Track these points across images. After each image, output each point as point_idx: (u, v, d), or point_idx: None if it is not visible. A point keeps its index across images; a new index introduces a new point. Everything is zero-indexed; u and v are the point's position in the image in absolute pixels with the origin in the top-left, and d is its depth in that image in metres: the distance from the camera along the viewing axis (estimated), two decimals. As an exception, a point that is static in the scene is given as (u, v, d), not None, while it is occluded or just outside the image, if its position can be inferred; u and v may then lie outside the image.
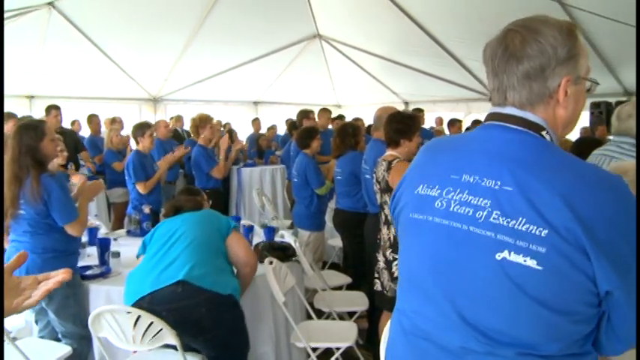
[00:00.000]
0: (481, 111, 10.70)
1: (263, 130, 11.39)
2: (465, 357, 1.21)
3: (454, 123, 9.25)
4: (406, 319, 1.36)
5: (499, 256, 1.15)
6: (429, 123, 10.09)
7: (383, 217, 3.58)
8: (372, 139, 4.44)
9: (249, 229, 4.25)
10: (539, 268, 1.11)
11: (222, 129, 9.73)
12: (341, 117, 9.96)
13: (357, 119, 8.10)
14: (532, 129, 1.24)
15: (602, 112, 7.70)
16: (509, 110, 1.27)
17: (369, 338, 4.25)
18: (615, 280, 1.12)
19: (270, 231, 4.22)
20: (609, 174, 1.22)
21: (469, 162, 1.27)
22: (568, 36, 1.24)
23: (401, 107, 12.03)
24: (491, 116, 1.31)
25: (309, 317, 3.83)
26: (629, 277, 1.15)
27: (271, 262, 3.36)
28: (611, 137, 2.91)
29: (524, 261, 1.12)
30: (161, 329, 2.73)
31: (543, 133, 1.24)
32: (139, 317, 2.72)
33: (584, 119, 8.28)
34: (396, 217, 1.49)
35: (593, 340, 1.24)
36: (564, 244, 1.09)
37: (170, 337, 2.74)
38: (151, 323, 2.72)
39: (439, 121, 10.55)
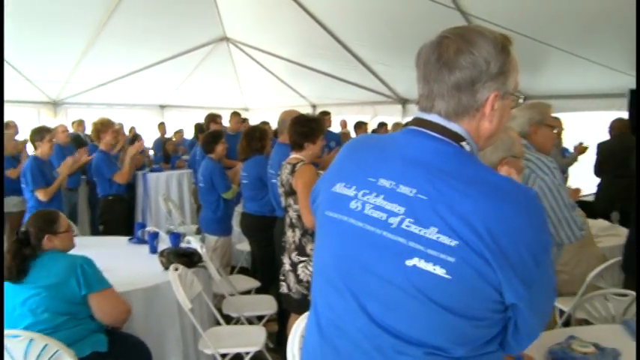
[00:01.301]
0: (387, 114, 10.98)
1: (170, 135, 11.14)
2: (377, 355, 1.22)
3: (360, 125, 9.43)
4: (321, 316, 1.36)
5: (409, 262, 1.15)
6: (336, 126, 10.22)
7: (288, 220, 3.60)
8: (277, 142, 4.46)
9: (154, 236, 4.16)
10: (448, 277, 1.12)
11: (127, 134, 9.43)
12: (244, 120, 9.92)
13: (264, 123, 8.10)
14: (452, 139, 1.24)
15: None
16: (432, 117, 1.27)
17: (279, 341, 4.26)
18: (521, 292, 1.16)
19: (176, 237, 4.14)
20: (523, 187, 1.24)
21: (387, 166, 1.26)
22: (502, 51, 1.25)
23: (309, 110, 12.15)
24: (415, 121, 1.31)
25: (218, 323, 3.79)
26: (534, 289, 1.18)
27: (176, 269, 3.30)
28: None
29: (434, 269, 1.13)
30: (57, 350, 2.61)
31: (463, 143, 1.25)
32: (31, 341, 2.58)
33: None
34: (314, 213, 1.48)
35: (501, 340, 1.28)
36: (473, 256, 1.11)
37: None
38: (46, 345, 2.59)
39: (343, 123, 10.72)
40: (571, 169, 7.22)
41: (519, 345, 1.30)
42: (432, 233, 1.13)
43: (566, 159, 6.25)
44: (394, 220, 1.19)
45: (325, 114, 8.66)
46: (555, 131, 2.90)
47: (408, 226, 1.16)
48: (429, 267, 1.13)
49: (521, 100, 1.33)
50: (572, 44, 7.34)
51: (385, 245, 1.19)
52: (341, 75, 10.46)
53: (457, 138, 1.25)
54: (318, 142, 3.60)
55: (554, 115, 3.97)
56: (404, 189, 1.20)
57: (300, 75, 11.19)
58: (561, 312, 3.72)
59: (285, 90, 12.34)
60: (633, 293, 3.04)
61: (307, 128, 3.59)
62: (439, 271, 1.12)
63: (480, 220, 1.11)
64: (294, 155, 3.62)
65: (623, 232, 4.39)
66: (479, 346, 1.22)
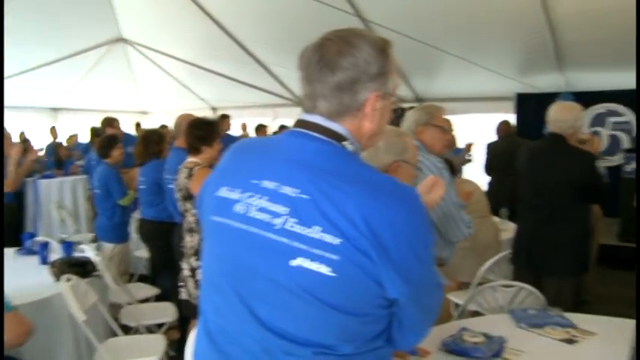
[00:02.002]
0: (288, 116, 11.02)
1: (63, 139, 10.62)
2: (266, 358, 1.23)
3: (260, 128, 9.42)
4: (210, 322, 1.35)
5: (294, 262, 1.17)
6: (236, 129, 10.15)
7: (186, 224, 3.54)
8: (174, 147, 4.38)
9: (44, 246, 3.95)
10: (333, 275, 1.14)
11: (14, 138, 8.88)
12: (139, 124, 9.67)
13: (163, 126, 7.92)
14: (334, 139, 1.27)
15: (399, 117, 8.38)
16: (315, 119, 1.29)
17: (180, 349, 4.17)
18: (403, 288, 1.20)
19: (68, 246, 3.96)
20: (404, 186, 1.27)
21: (271, 168, 1.27)
22: (381, 53, 1.28)
23: (209, 113, 12.00)
24: (298, 123, 1.33)
25: (116, 335, 3.67)
26: (416, 285, 1.23)
27: (68, 280, 3.16)
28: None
29: (318, 268, 1.15)
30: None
31: (345, 143, 1.28)
32: None
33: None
34: (200, 219, 1.47)
35: (388, 335, 1.32)
36: (356, 254, 1.14)
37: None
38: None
39: (243, 126, 10.68)
40: (465, 168, 7.60)
41: (405, 340, 1.34)
42: (315, 232, 1.15)
43: (459, 158, 6.55)
44: (278, 221, 1.20)
45: (224, 117, 8.60)
46: (445, 132, 3.02)
47: (291, 227, 1.18)
48: (313, 266, 1.15)
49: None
50: (465, 51, 7.71)
51: (269, 246, 1.20)
52: (241, 77, 10.41)
53: (339, 138, 1.28)
54: (215, 145, 3.57)
55: (446, 117, 4.16)
56: (287, 190, 1.21)
57: (200, 77, 11.03)
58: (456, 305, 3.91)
59: (184, 92, 12.11)
60: (519, 284, 3.24)
61: (203, 131, 3.56)
62: (323, 269, 1.15)
63: (361, 217, 1.14)
64: (190, 159, 3.57)
65: (511, 227, 4.68)
66: (366, 342, 1.25)
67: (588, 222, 3.76)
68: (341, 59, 1.25)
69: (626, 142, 8.73)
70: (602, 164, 7.86)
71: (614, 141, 8.98)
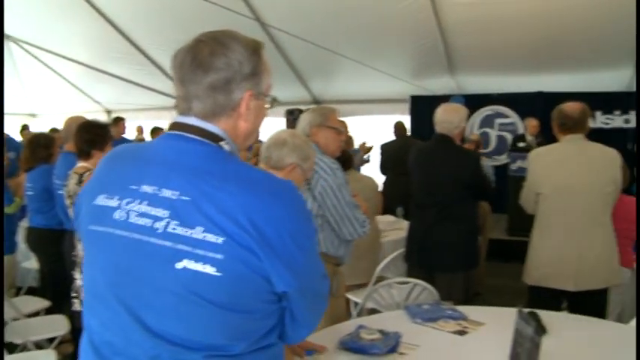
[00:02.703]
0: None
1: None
2: None
3: (156, 131, 9.19)
4: (95, 335, 1.30)
5: (179, 265, 1.16)
6: (132, 132, 9.84)
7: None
8: (64, 151, 4.18)
9: None
10: (219, 274, 1.15)
11: None
12: (25, 127, 9.14)
13: (53, 130, 7.53)
14: (211, 139, 1.27)
15: (296, 119, 8.48)
16: (190, 120, 1.29)
17: (74, 362, 3.99)
18: (290, 280, 1.21)
19: (-55, 260, 3.68)
20: (280, 180, 1.30)
21: (149, 172, 1.25)
22: (253, 53, 1.30)
23: (103, 116, 11.57)
24: (174, 126, 1.31)
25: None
26: (302, 275, 1.25)
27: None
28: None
29: (204, 268, 1.15)
30: None
31: (222, 143, 1.28)
32: None
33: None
34: (77, 230, 1.42)
35: (279, 331, 1.33)
36: (240, 250, 1.15)
37: None
38: None
39: (139, 129, 10.38)
40: (363, 169, 7.77)
41: (297, 335, 1.36)
42: (198, 233, 1.15)
43: (355, 160, 6.68)
44: (160, 225, 1.19)
45: (119, 120, 8.32)
46: (339, 133, 3.07)
47: (174, 229, 1.17)
48: (198, 267, 1.15)
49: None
50: (361, 54, 7.92)
51: (153, 251, 1.19)
52: (137, 79, 10.14)
53: (216, 138, 1.28)
54: (107, 149, 3.43)
55: (344, 118, 4.25)
56: (167, 192, 1.20)
57: (94, 79, 10.64)
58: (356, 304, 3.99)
59: (77, 95, 11.62)
60: (414, 280, 3.35)
61: (94, 135, 3.42)
62: (209, 269, 1.15)
63: (242, 213, 1.15)
64: (81, 164, 3.42)
65: (406, 226, 4.82)
66: (257, 340, 1.25)
67: (476, 219, 3.95)
68: (214, 59, 1.26)
69: (511, 142, 9.27)
70: (491, 163, 8.34)
71: (501, 141, 9.54)
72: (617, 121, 8.96)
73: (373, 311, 3.46)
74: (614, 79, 8.52)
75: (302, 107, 8.61)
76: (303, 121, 3.05)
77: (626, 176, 3.45)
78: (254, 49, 1.31)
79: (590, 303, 3.23)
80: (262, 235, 1.16)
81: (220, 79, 1.26)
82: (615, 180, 3.27)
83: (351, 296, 4.20)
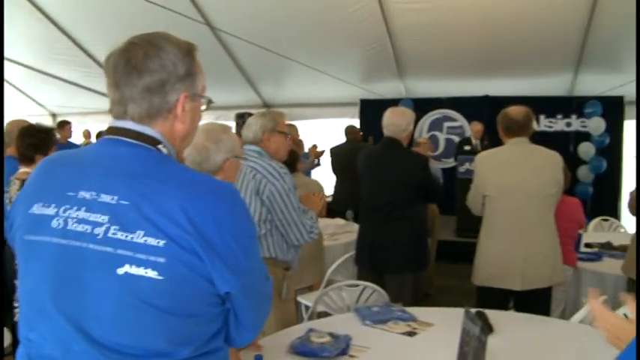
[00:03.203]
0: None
1: None
2: None
3: (102, 135, 8.98)
4: (33, 350, 1.26)
5: (120, 270, 1.14)
6: (78, 136, 9.60)
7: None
8: (6, 155, 4.04)
9: None
10: (161, 277, 1.13)
11: None
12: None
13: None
14: (148, 143, 1.26)
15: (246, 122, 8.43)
16: (127, 124, 1.27)
17: (17, 376, 3.85)
18: (233, 281, 1.21)
19: None
20: (222, 182, 1.31)
21: (86, 178, 1.23)
22: (187, 55, 1.29)
23: (48, 120, 11.27)
24: (110, 130, 1.29)
25: None
26: (245, 276, 1.24)
27: None
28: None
29: (146, 273, 1.13)
30: None
31: (160, 146, 1.27)
32: None
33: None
34: (11, 241, 1.36)
35: (225, 335, 1.32)
36: (182, 252, 1.14)
37: None
38: None
39: (86, 133, 10.15)
40: (314, 172, 7.78)
41: (242, 337, 1.36)
42: (138, 237, 1.14)
43: (306, 164, 6.70)
44: (100, 231, 1.17)
45: (65, 123, 8.10)
46: (287, 138, 3.08)
47: (114, 234, 1.16)
48: (140, 271, 1.14)
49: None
50: (312, 59, 7.95)
51: (94, 258, 1.16)
52: (84, 82, 9.90)
53: (153, 142, 1.27)
54: (51, 153, 3.34)
55: (294, 122, 4.25)
56: (105, 198, 1.18)
57: (38, 81, 10.34)
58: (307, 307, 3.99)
59: (19, 97, 11.26)
60: (364, 283, 3.37)
61: (37, 139, 3.33)
62: (151, 273, 1.14)
63: (185, 216, 1.15)
64: (23, 169, 3.33)
65: (356, 229, 4.85)
66: (203, 344, 1.24)
67: (425, 220, 4.01)
68: (148, 62, 1.25)
69: (457, 145, 9.46)
70: (439, 166, 8.49)
71: (450, 144, 9.73)
72: (559, 124, 9.26)
73: (324, 314, 3.47)
74: (556, 84, 8.81)
75: (252, 111, 8.55)
76: (255, 125, 3.03)
77: (567, 178, 3.56)
78: (187, 50, 1.31)
79: (535, 301, 3.31)
80: (204, 236, 1.16)
81: (155, 82, 1.25)
82: (558, 182, 3.37)
83: (301, 299, 4.20)
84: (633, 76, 7.59)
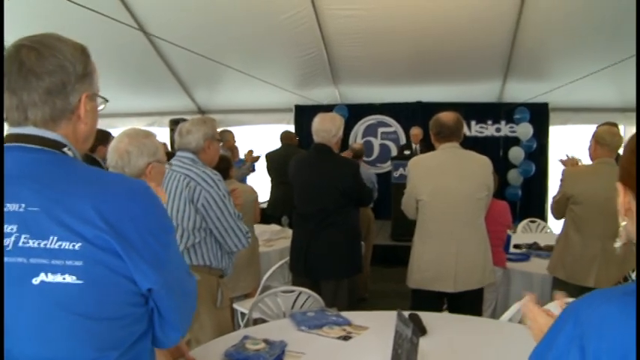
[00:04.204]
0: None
1: None
2: None
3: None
4: None
5: (36, 280, 1.09)
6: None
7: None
8: None
9: None
10: (80, 282, 1.10)
11: None
12: None
13: None
14: (52, 147, 1.22)
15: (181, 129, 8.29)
16: (28, 130, 1.22)
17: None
18: (153, 277, 1.18)
19: None
20: (133, 180, 1.30)
21: None
22: (82, 53, 1.27)
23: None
24: (10, 138, 1.23)
25: None
26: (165, 271, 1.22)
27: None
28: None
29: (64, 279, 1.09)
30: None
31: (65, 149, 1.24)
32: None
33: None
34: None
35: (151, 337, 1.29)
36: (100, 253, 1.11)
37: None
38: None
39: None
40: (249, 178, 7.72)
41: (167, 337, 1.33)
42: (52, 242, 1.10)
43: (242, 169, 6.64)
44: (9, 241, 1.11)
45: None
46: (221, 144, 3.05)
47: (25, 243, 1.11)
48: (57, 278, 1.10)
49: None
50: (246, 65, 7.90)
51: (6, 271, 1.10)
52: None
53: (57, 145, 1.23)
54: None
55: (230, 128, 4.20)
56: (12, 207, 1.13)
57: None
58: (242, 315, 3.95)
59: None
60: (299, 289, 3.37)
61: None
62: (69, 278, 1.10)
63: (96, 215, 1.12)
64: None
65: (291, 235, 4.85)
66: (130, 347, 1.21)
67: (358, 225, 4.02)
68: (44, 63, 1.21)
69: (393, 150, 9.63)
70: (374, 171, 8.61)
71: (384, 149, 9.88)
72: (489, 129, 9.57)
73: (260, 321, 3.44)
74: (485, 91, 9.10)
75: (187, 117, 8.44)
76: (197, 132, 2.98)
77: (496, 182, 3.67)
78: (82, 49, 1.28)
79: (467, 302, 3.39)
80: (120, 234, 1.13)
81: (56, 83, 1.21)
82: (488, 185, 3.46)
83: (237, 307, 4.15)
84: (557, 84, 7.95)
